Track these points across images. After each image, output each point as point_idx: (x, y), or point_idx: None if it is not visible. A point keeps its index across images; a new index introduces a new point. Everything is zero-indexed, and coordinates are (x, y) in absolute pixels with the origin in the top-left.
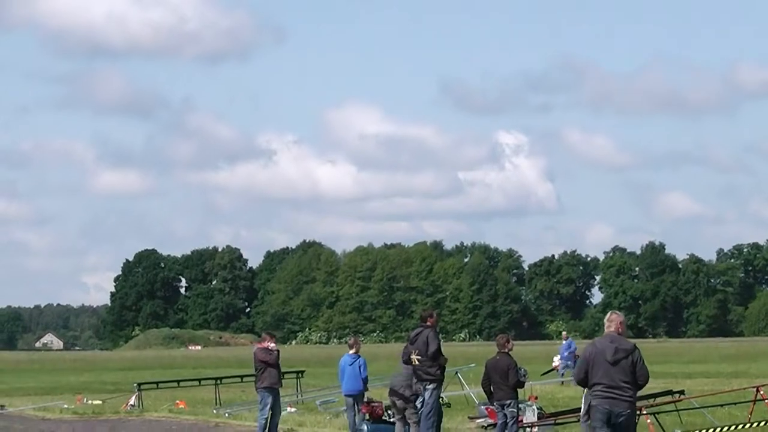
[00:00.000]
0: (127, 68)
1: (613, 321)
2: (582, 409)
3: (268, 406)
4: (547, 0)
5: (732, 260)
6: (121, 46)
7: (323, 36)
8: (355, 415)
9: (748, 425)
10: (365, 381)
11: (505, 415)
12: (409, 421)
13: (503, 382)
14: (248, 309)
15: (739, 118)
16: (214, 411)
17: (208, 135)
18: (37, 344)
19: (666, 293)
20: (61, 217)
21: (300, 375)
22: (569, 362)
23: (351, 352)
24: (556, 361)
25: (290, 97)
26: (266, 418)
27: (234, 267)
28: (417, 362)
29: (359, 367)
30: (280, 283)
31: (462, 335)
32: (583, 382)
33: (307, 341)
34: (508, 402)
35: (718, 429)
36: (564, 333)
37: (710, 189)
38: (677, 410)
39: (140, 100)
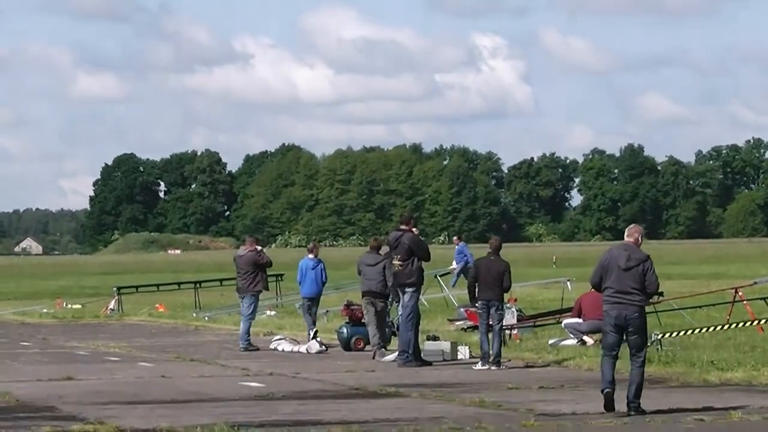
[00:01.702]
0: None
1: (633, 232)
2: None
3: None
4: None
5: (711, 162)
6: None
7: None
8: (312, 315)
9: (726, 326)
10: (324, 284)
11: (488, 315)
12: (366, 319)
13: (496, 284)
14: (227, 213)
15: (719, 19)
16: (194, 314)
17: (185, 39)
18: (16, 249)
19: (645, 195)
20: (39, 122)
21: (280, 278)
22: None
23: (310, 256)
24: (454, 264)
25: (267, 1)
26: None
27: (213, 171)
28: (399, 267)
29: (321, 271)
30: (259, 186)
31: (441, 238)
32: (597, 286)
33: (287, 245)
34: (497, 304)
35: (697, 330)
36: (455, 238)
37: (689, 91)
38: (656, 312)
39: (117, 5)
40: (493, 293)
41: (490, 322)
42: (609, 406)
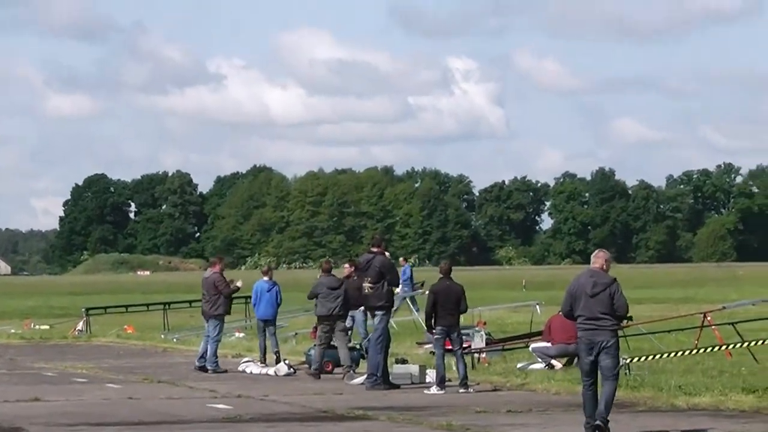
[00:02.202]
0: None
1: (599, 258)
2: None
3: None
4: None
5: (681, 186)
6: None
7: None
8: (265, 338)
9: (694, 351)
10: (278, 306)
11: (447, 340)
12: (336, 343)
13: (455, 309)
14: (198, 234)
15: (692, 43)
16: (162, 336)
17: (158, 59)
18: None
19: (615, 219)
20: (9, 141)
21: (249, 300)
22: (407, 289)
23: (265, 279)
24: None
25: (240, 22)
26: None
27: (184, 192)
28: (370, 290)
29: (276, 293)
30: (230, 208)
31: (411, 261)
32: (569, 314)
33: (257, 266)
34: (457, 329)
35: (665, 355)
36: (401, 259)
37: (661, 115)
38: (625, 336)
39: (91, 24)
40: (453, 318)
41: (452, 348)
42: None
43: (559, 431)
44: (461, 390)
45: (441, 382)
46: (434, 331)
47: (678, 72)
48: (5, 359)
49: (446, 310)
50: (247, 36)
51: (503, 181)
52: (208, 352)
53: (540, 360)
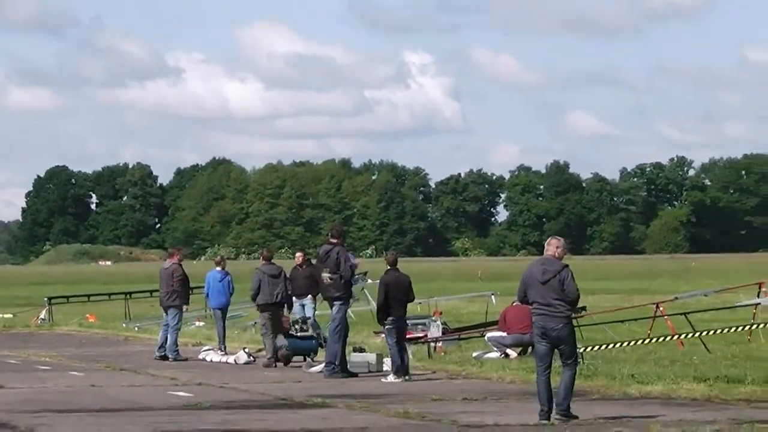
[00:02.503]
0: None
1: (551, 245)
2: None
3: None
4: None
5: (635, 179)
6: None
7: None
8: (223, 326)
9: (647, 341)
10: (231, 295)
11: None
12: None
13: (405, 299)
14: (158, 225)
15: (647, 38)
16: (124, 325)
17: (117, 53)
18: None
19: (570, 211)
20: None
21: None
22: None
23: (218, 269)
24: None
25: (199, 16)
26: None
27: (144, 184)
28: (329, 280)
29: (228, 283)
30: (190, 200)
31: (369, 252)
32: (524, 300)
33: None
34: (404, 319)
35: (618, 344)
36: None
37: (616, 109)
38: (578, 326)
39: (50, 17)
40: (404, 309)
41: (413, 337)
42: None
43: (513, 419)
44: (405, 377)
45: (398, 370)
46: (386, 322)
47: (632, 67)
48: None
49: (398, 300)
50: (206, 30)
51: (459, 174)
52: (169, 341)
53: (495, 349)
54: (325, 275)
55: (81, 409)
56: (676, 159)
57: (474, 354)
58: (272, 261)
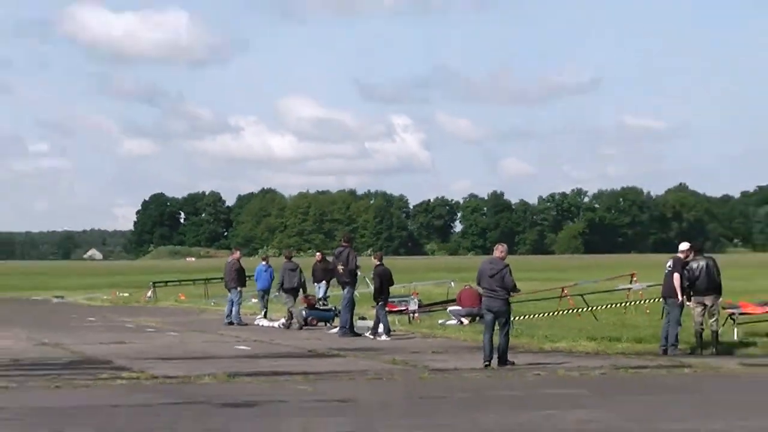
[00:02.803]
0: (140, 72)
1: (498, 249)
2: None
3: (237, 302)
4: (426, 25)
5: (548, 203)
6: (132, 53)
7: (277, 48)
8: (266, 303)
9: (556, 313)
10: (271, 282)
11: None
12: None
13: (390, 284)
14: (225, 233)
15: (555, 106)
16: (204, 301)
17: (195, 116)
18: (84, 256)
19: (504, 225)
20: (98, 171)
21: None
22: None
23: (263, 263)
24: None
25: (252, 91)
26: (234, 308)
27: (216, 205)
28: (341, 271)
29: (270, 273)
30: (247, 216)
31: (368, 252)
32: (479, 285)
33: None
34: (388, 297)
35: (537, 315)
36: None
37: (534, 155)
38: (512, 302)
39: (148, 92)
40: (388, 291)
41: (393, 309)
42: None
43: (466, 365)
44: (375, 337)
45: (387, 332)
46: (379, 300)
47: (545, 126)
48: (100, 316)
49: (386, 285)
50: (256, 100)
51: (429, 200)
52: (233, 312)
53: (454, 318)
54: (339, 267)
55: (175, 357)
56: (575, 190)
57: (439, 321)
58: (291, 259)
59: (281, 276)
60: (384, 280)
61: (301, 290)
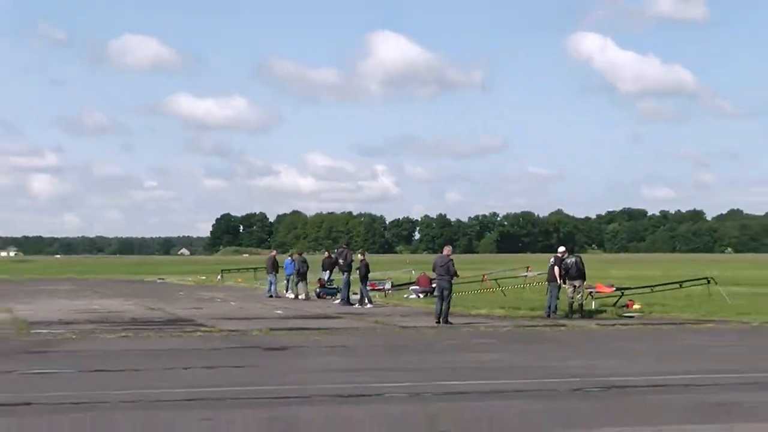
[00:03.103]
0: (216, 136)
1: (445, 249)
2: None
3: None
4: (399, 106)
5: (475, 221)
6: (211, 124)
7: (301, 120)
8: (288, 283)
9: (480, 291)
10: (294, 269)
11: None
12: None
13: (367, 272)
14: (268, 239)
15: (480, 160)
16: (255, 282)
17: (252, 164)
18: (178, 253)
19: (446, 235)
20: (186, 199)
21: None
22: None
23: (290, 258)
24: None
25: (285, 149)
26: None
27: (263, 221)
28: (341, 263)
29: (293, 263)
30: (282, 227)
31: (358, 252)
32: (433, 271)
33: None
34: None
35: (468, 292)
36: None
37: (466, 190)
38: (453, 284)
39: (220, 150)
40: (368, 275)
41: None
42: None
43: (423, 323)
44: (361, 306)
45: (370, 302)
46: (367, 283)
47: (475, 172)
48: (186, 291)
49: (367, 272)
50: (289, 155)
51: (398, 218)
52: (272, 289)
53: (414, 294)
54: (340, 261)
55: (235, 317)
56: (492, 213)
57: (405, 296)
58: (301, 254)
59: (297, 265)
60: (366, 269)
61: (305, 277)
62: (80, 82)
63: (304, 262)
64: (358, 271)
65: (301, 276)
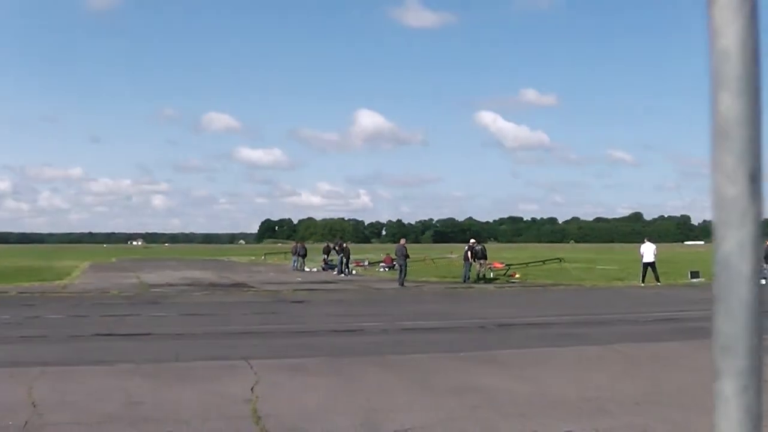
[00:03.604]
0: (263, 174)
1: (401, 241)
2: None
3: (297, 262)
4: (372, 154)
5: (422, 224)
6: (260, 165)
7: (315, 168)
8: (304, 262)
9: (423, 265)
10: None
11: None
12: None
13: (349, 254)
14: (293, 236)
15: (422, 192)
16: (285, 261)
17: (282, 190)
18: (238, 242)
19: (401, 233)
20: (249, 208)
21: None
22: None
23: (299, 244)
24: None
25: (304, 180)
26: (295, 263)
27: (290, 224)
28: (337, 249)
29: (305, 250)
30: (302, 228)
31: (347, 242)
32: (395, 254)
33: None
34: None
35: (414, 266)
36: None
37: (413, 207)
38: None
39: (266, 182)
40: (349, 258)
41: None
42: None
43: (389, 286)
44: (344, 275)
45: (349, 272)
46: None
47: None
48: (243, 267)
49: (348, 255)
50: (305, 183)
51: (372, 222)
52: (295, 265)
53: (382, 268)
54: (336, 248)
55: (273, 282)
56: (429, 219)
57: (377, 269)
58: (303, 244)
59: (298, 251)
60: (348, 253)
61: (305, 257)
62: (184, 141)
63: (304, 248)
64: (343, 253)
65: (305, 257)
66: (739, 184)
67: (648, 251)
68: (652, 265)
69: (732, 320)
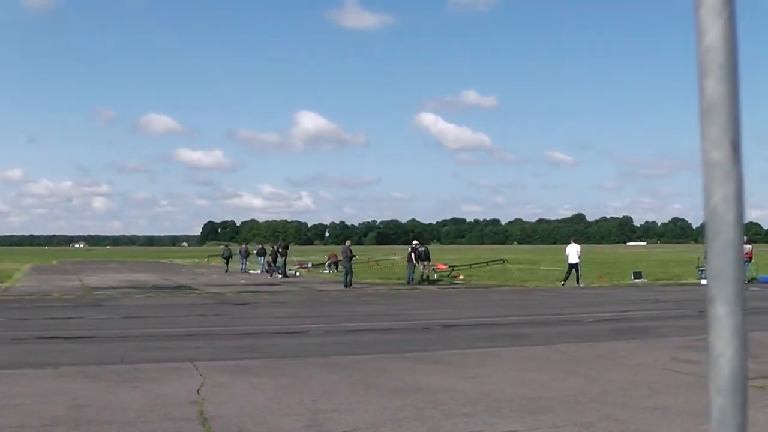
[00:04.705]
0: (205, 174)
1: (347, 242)
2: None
3: (264, 263)
4: (323, 155)
5: (365, 226)
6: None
7: (260, 165)
8: (246, 265)
9: (367, 266)
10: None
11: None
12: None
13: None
14: (235, 237)
15: (379, 205)
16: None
17: (224, 191)
18: (181, 245)
19: (343, 234)
20: (190, 213)
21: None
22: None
23: (243, 246)
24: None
25: (245, 182)
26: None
27: (233, 226)
28: (279, 251)
29: (247, 251)
30: (245, 230)
31: (291, 245)
32: (340, 255)
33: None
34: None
35: (360, 267)
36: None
37: (358, 210)
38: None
39: (206, 183)
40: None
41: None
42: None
43: (333, 288)
44: (281, 276)
45: (285, 275)
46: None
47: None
48: (186, 269)
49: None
50: (246, 184)
51: (316, 223)
52: (242, 267)
53: (327, 269)
54: (279, 250)
55: (216, 284)
56: (372, 220)
57: (321, 270)
58: (247, 247)
59: (246, 251)
60: (286, 254)
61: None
62: (124, 142)
63: (247, 250)
64: (284, 255)
65: (245, 258)
66: (723, 150)
67: (572, 252)
68: (576, 266)
69: (721, 256)
